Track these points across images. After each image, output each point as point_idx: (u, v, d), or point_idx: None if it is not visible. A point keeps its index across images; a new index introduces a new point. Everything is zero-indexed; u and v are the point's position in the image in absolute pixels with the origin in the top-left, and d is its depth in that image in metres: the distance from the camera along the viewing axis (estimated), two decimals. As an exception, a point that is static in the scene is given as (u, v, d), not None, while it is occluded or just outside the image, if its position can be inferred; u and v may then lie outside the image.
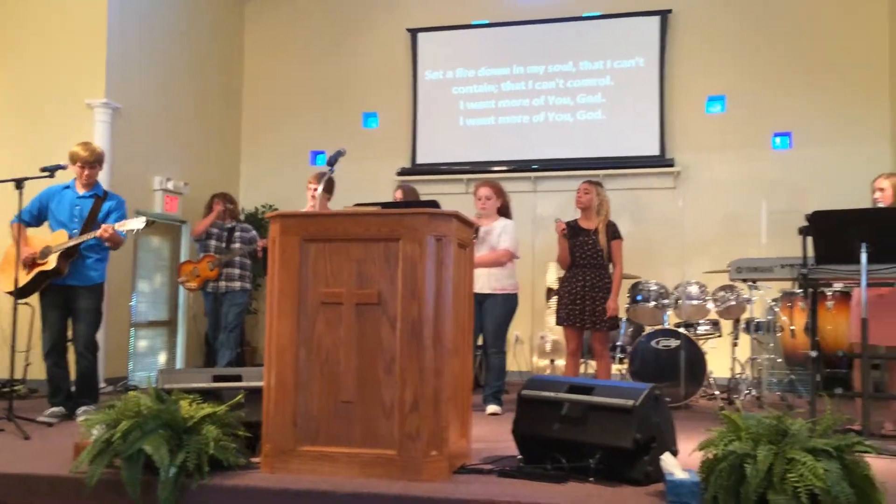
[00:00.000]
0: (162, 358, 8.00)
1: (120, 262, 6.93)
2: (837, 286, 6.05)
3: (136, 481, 2.96)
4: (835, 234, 4.19)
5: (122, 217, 5.11)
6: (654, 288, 6.21)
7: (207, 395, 3.43)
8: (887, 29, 7.62)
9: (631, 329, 6.51)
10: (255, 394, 3.40)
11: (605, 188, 5.74)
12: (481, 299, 5.32)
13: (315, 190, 5.40)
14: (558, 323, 5.60)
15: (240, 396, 3.34)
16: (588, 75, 8.31)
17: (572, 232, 5.52)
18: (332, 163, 3.99)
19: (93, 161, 5.04)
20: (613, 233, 5.52)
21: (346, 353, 3.17)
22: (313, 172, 5.72)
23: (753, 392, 6.20)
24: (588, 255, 5.46)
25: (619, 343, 6.40)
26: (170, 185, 7.64)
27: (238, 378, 3.67)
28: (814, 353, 4.37)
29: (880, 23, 7.65)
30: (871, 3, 7.69)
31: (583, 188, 5.61)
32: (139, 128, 7.35)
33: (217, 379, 3.67)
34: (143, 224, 4.86)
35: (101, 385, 6.12)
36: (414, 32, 8.73)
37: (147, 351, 7.76)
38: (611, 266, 5.51)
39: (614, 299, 5.40)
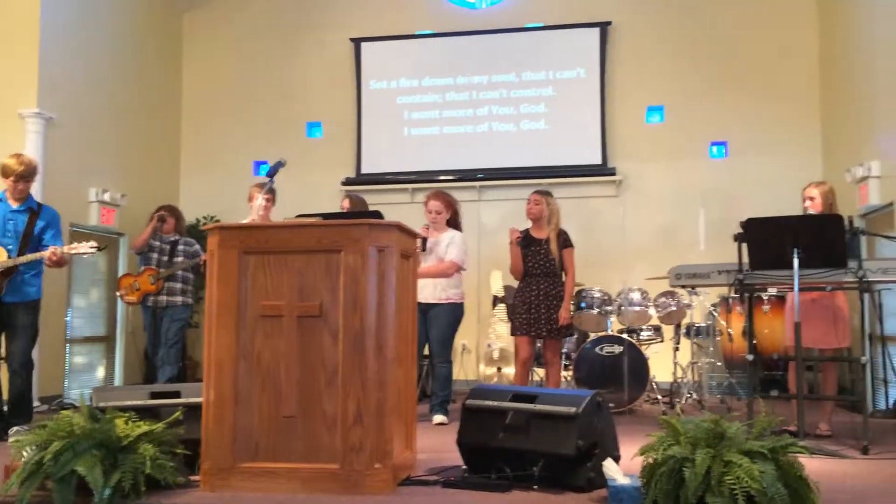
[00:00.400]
0: (100, 374, 7.78)
1: (54, 276, 6.71)
2: (772, 291, 6.21)
3: (68, 503, 2.86)
4: (768, 240, 4.31)
5: (58, 233, 4.97)
6: (597, 295, 6.29)
7: (144, 413, 3.34)
8: (817, 42, 7.89)
9: (576, 336, 6.57)
10: (194, 410, 3.33)
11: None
12: (426, 309, 5.32)
13: (267, 200, 5.38)
14: (513, 333, 5.60)
15: (178, 413, 3.27)
16: (531, 85, 8.40)
17: (524, 242, 5.56)
18: (272, 174, 3.95)
19: (27, 175, 4.89)
20: (565, 241, 5.56)
21: (288, 366, 3.13)
22: (256, 182, 5.65)
23: (694, 395, 6.32)
24: (541, 264, 5.50)
25: (564, 350, 6.45)
26: (106, 197, 7.45)
27: (176, 394, 3.58)
28: (751, 357, 4.48)
29: (811, 36, 7.91)
30: (802, 17, 7.94)
31: (533, 199, 5.65)
32: (73, 138, 7.16)
33: (154, 396, 3.58)
34: (94, 251, 4.77)
35: (35, 404, 5.91)
36: (357, 42, 8.71)
37: (84, 367, 7.54)
38: (563, 274, 5.56)
39: (566, 308, 5.44)
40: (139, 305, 6.55)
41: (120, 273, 7.80)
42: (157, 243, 6.52)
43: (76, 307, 7.39)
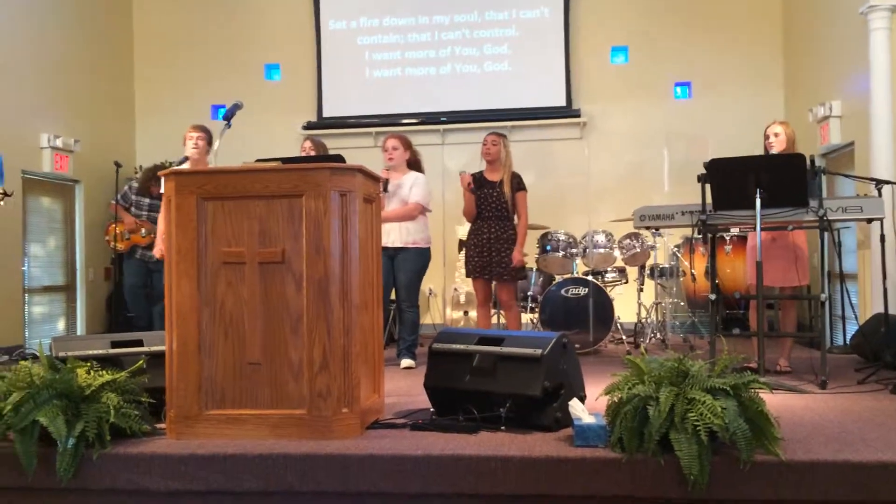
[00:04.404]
0: (61, 324, 7.66)
1: (7, 224, 6.56)
2: (734, 231, 6.30)
3: (31, 454, 2.83)
4: (731, 181, 4.32)
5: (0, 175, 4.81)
6: (562, 238, 6.30)
7: (106, 362, 3.29)
8: (781, -20, 7.85)
9: (541, 279, 6.61)
10: (157, 358, 3.29)
11: (513, 139, 5.75)
12: (393, 253, 5.28)
13: (197, 139, 5.20)
14: (467, 275, 5.65)
15: (141, 362, 3.22)
16: (494, 25, 8.26)
17: (477, 184, 5.54)
18: (228, 117, 3.83)
19: None
20: (518, 184, 5.55)
21: (251, 313, 3.09)
22: (192, 124, 5.45)
23: (658, 335, 6.42)
24: (493, 207, 5.49)
25: (530, 293, 6.49)
26: (59, 143, 7.22)
27: (139, 343, 3.53)
28: (713, 296, 4.53)
29: (774, -26, 7.87)
30: (765, -46, 7.88)
31: (490, 140, 5.60)
32: (21, 82, 6.89)
33: (116, 345, 3.52)
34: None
35: (-6, 355, 5.84)
36: (315, -21, 8.45)
37: (44, 317, 7.41)
38: (516, 217, 5.56)
39: (519, 250, 5.47)
40: (115, 254, 6.57)
41: (77, 221, 7.67)
42: (147, 200, 6.53)
43: (33, 256, 7.22)
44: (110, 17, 8.36)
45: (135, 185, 6.85)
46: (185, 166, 4.99)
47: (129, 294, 6.67)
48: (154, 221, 6.43)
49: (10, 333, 6.64)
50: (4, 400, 2.92)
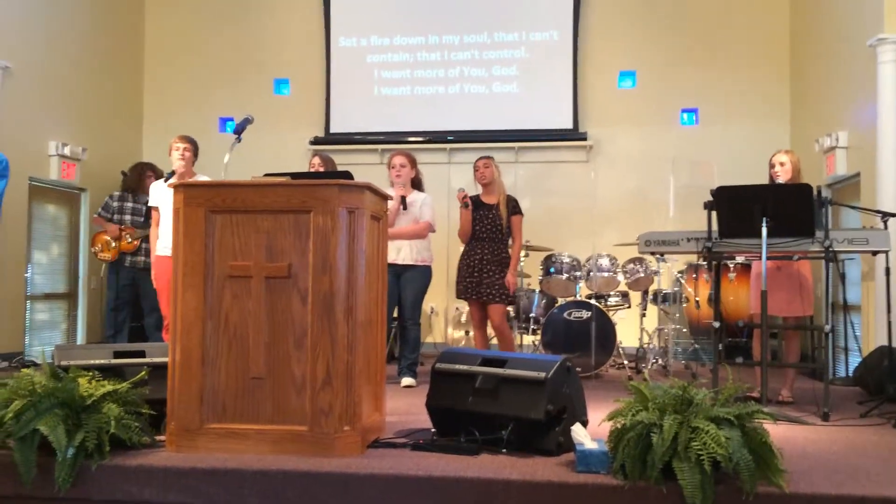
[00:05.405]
0: (61, 332, 7.64)
1: (12, 230, 6.56)
2: (739, 259, 6.30)
3: (30, 463, 2.82)
4: (738, 208, 4.32)
5: (5, 178, 4.79)
6: (566, 260, 6.30)
7: (108, 372, 3.28)
8: (788, 12, 7.89)
9: (544, 301, 6.60)
10: (159, 370, 3.28)
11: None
12: (400, 271, 5.30)
13: (184, 150, 5.21)
14: (457, 296, 5.65)
15: (143, 373, 3.21)
16: (503, 47, 8.30)
17: (474, 206, 5.55)
18: (239, 131, 3.85)
19: None
20: (514, 208, 5.58)
21: (256, 327, 3.09)
22: (179, 134, 5.46)
23: (660, 361, 6.40)
24: (488, 228, 5.50)
25: (532, 315, 6.48)
26: (66, 151, 7.24)
27: (141, 354, 3.52)
28: (716, 324, 4.52)
29: (783, 6, 7.91)
30: (775, -15, 7.93)
31: (482, 163, 5.63)
32: (31, 89, 6.92)
33: (118, 355, 3.51)
34: None
35: (-6, 361, 5.83)
36: (327, -4, 8.51)
37: (45, 325, 7.40)
38: (510, 241, 5.57)
39: (513, 274, 5.46)
40: (106, 264, 6.50)
41: (81, 229, 7.68)
42: (130, 204, 6.47)
43: (37, 263, 7.22)
44: (121, 28, 8.42)
45: (116, 193, 6.85)
46: (173, 180, 4.97)
47: (112, 309, 6.57)
48: (137, 226, 6.37)
49: (10, 340, 6.62)
50: (5, 408, 2.91)
